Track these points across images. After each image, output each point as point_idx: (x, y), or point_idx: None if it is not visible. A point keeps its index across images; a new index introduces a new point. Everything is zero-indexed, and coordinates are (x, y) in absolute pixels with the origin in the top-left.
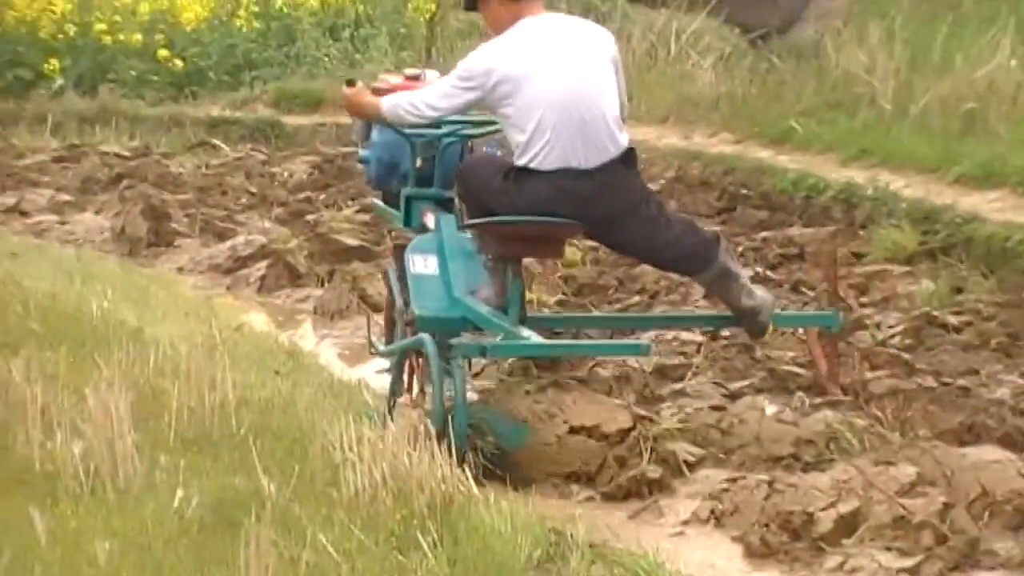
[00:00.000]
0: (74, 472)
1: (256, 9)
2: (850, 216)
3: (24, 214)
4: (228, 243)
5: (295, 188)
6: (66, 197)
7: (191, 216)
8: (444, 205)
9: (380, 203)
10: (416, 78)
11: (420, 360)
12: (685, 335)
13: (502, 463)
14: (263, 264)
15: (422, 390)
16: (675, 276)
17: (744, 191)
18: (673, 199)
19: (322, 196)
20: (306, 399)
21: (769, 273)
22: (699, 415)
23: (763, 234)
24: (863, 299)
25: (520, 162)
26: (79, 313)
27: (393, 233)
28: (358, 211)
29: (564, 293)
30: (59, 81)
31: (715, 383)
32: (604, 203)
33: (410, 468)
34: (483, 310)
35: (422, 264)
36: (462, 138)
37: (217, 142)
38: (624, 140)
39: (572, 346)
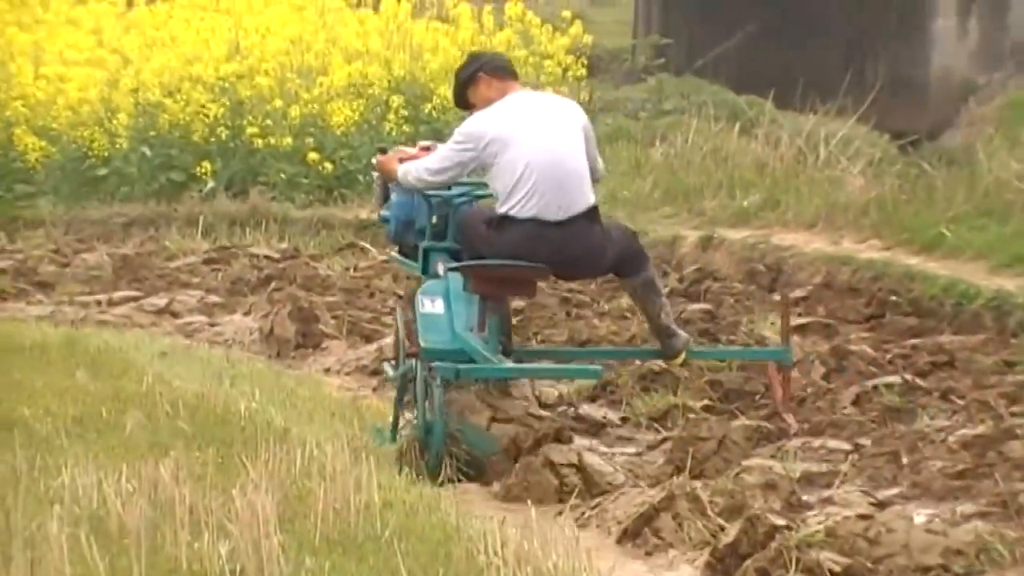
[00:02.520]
0: (220, 572)
1: (406, 113)
2: (1001, 324)
3: (175, 315)
4: (375, 345)
5: None
6: (216, 298)
7: (338, 318)
8: (455, 256)
9: (397, 255)
10: (427, 148)
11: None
12: (832, 443)
13: (475, 468)
14: None
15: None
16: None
17: (893, 298)
18: (821, 305)
19: None
20: (450, 501)
21: (918, 381)
22: (846, 523)
23: (912, 341)
24: (1014, 408)
25: (501, 210)
26: (227, 414)
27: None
28: None
29: (710, 399)
30: (210, 183)
31: (863, 491)
32: (570, 249)
33: (554, 572)
34: (475, 343)
35: (430, 305)
36: (472, 198)
37: (365, 244)
38: (591, 198)
39: (531, 370)
